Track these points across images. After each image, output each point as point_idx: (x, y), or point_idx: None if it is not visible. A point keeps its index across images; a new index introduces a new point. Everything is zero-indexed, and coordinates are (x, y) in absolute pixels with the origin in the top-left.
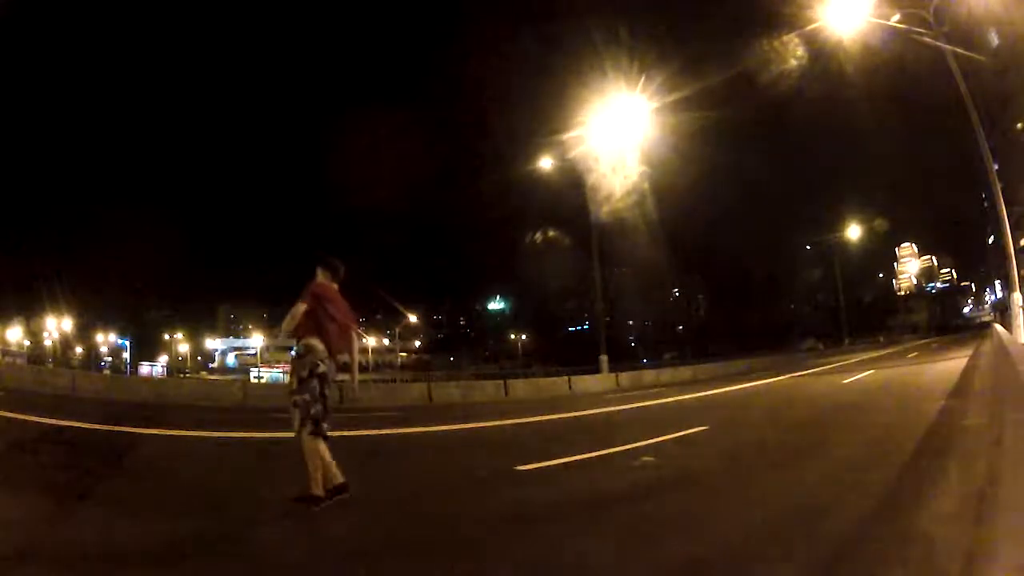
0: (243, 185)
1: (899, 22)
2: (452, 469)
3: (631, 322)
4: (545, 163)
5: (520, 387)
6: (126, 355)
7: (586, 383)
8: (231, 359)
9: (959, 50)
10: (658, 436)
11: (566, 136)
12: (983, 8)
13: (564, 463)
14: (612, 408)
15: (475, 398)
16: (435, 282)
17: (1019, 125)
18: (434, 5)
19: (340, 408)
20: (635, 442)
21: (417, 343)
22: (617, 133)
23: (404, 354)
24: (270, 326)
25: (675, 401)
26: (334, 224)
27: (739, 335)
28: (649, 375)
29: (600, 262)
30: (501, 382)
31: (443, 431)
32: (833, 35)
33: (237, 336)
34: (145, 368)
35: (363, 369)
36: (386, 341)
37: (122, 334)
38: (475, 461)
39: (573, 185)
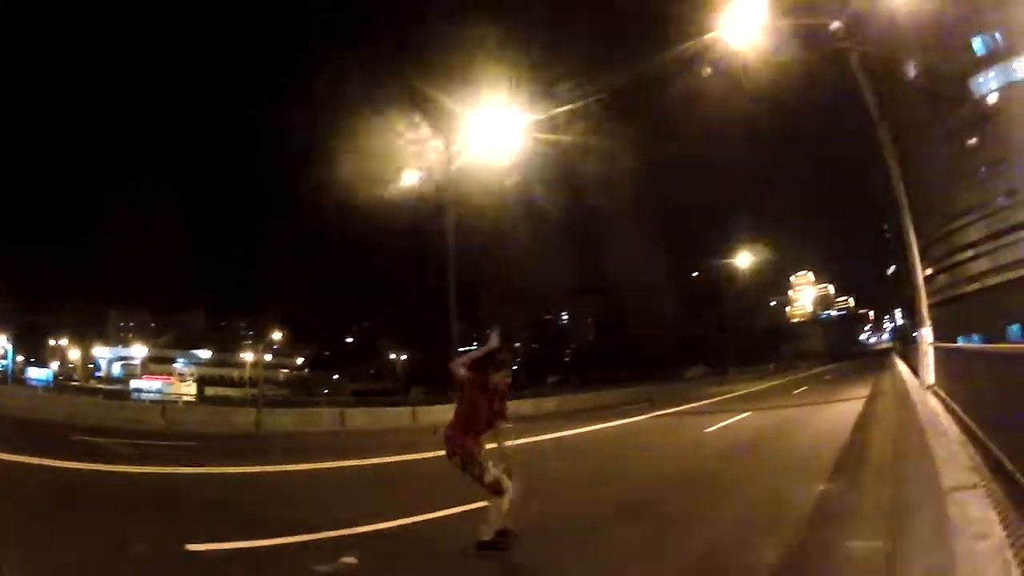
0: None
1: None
2: (109, 537)
3: (518, 345)
4: (410, 178)
5: (359, 417)
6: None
7: (434, 414)
8: (117, 368)
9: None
10: (428, 512)
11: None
12: (899, 38)
13: (248, 547)
14: (423, 455)
15: (308, 427)
16: (322, 297)
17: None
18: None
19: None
20: (381, 521)
21: (300, 359)
22: (495, 149)
23: (285, 370)
24: (157, 335)
25: (519, 444)
26: (221, 231)
27: (627, 361)
28: (508, 406)
29: (460, 279)
30: (338, 411)
31: (190, 474)
32: (732, 51)
33: (125, 344)
34: (33, 372)
35: (235, 384)
36: (268, 356)
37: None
38: (152, 528)
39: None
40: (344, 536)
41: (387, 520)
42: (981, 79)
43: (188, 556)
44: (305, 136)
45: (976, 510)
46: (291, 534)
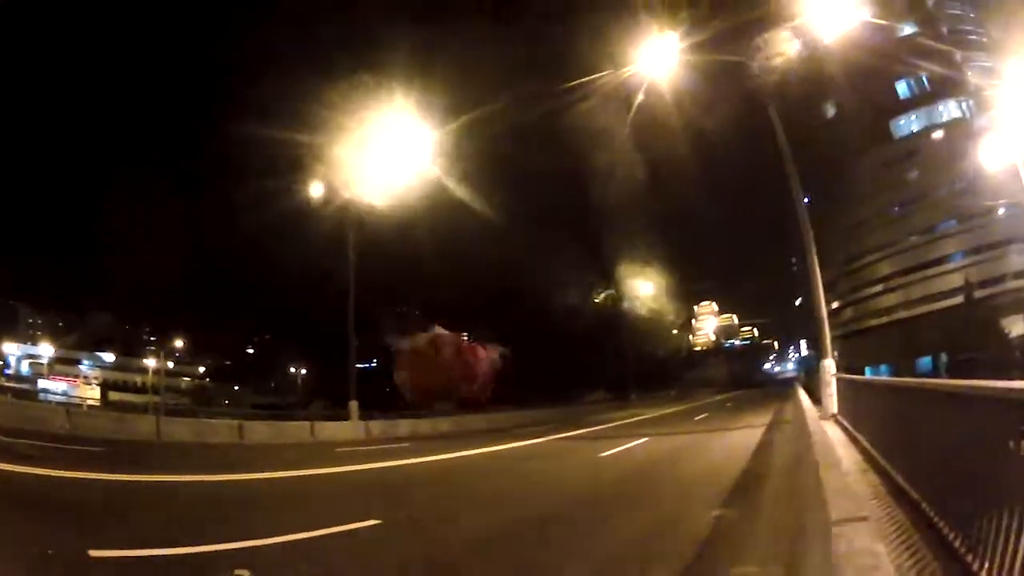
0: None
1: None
2: (11, 539)
3: None
4: (316, 191)
5: (259, 430)
6: None
7: (332, 430)
8: (26, 367)
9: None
10: (322, 527)
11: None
12: (818, 80)
13: (150, 555)
14: (320, 470)
15: (207, 439)
16: (225, 306)
17: None
18: None
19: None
20: (276, 535)
21: (202, 368)
22: (401, 166)
23: (187, 379)
24: (65, 335)
25: (394, 467)
26: (127, 231)
27: (527, 383)
28: (405, 426)
29: (360, 295)
30: (237, 423)
31: (94, 480)
32: (648, 79)
33: (34, 342)
34: None
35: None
36: (170, 364)
37: None
38: (56, 532)
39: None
40: (240, 548)
41: (282, 534)
42: (902, 120)
43: (92, 562)
44: (216, 144)
45: (862, 542)
46: (190, 544)
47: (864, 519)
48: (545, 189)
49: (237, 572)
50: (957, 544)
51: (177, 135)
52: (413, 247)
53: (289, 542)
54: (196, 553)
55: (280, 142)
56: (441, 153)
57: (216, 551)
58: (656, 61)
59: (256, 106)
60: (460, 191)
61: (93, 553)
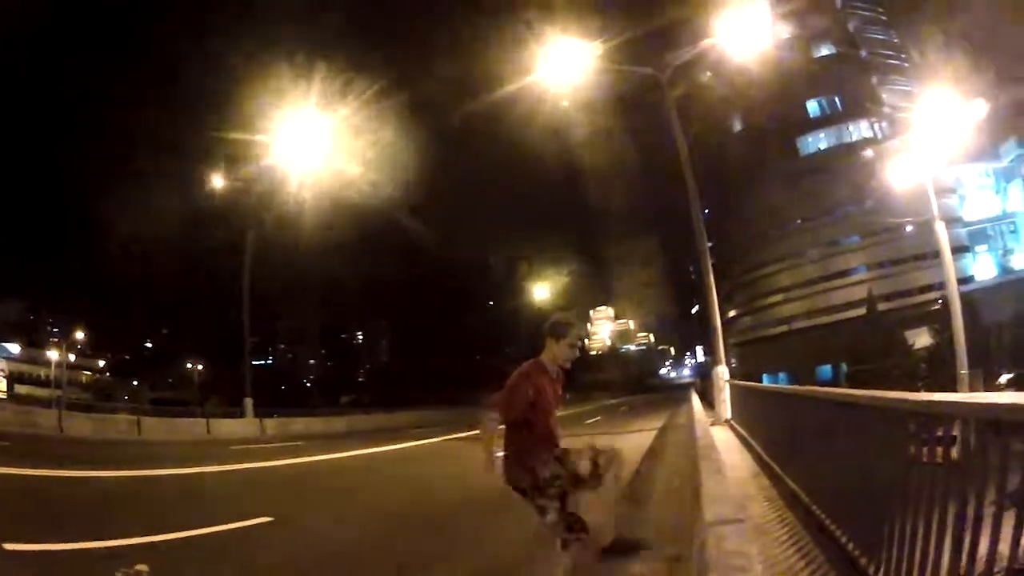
0: None
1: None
2: None
3: (312, 361)
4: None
5: (157, 426)
6: None
7: (228, 427)
8: None
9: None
10: (221, 524)
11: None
12: (728, 93)
13: (59, 549)
14: (219, 468)
15: (107, 434)
16: (125, 299)
17: None
18: None
19: None
20: (177, 531)
21: (102, 362)
22: (301, 159)
23: (88, 372)
24: None
25: (287, 465)
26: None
27: (426, 383)
28: (299, 424)
29: (257, 292)
30: (135, 419)
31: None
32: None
33: None
34: None
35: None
36: (72, 357)
37: None
38: None
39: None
40: (138, 544)
41: (178, 531)
42: (810, 138)
43: (5, 555)
44: (123, 136)
45: (733, 544)
46: (90, 540)
47: (740, 521)
48: (453, 189)
49: (137, 567)
50: (851, 547)
51: (81, 118)
52: (313, 242)
53: (185, 538)
54: (95, 548)
55: (184, 132)
56: (345, 147)
57: (115, 546)
58: (564, 68)
59: (155, 98)
60: (363, 186)
61: (7, 546)
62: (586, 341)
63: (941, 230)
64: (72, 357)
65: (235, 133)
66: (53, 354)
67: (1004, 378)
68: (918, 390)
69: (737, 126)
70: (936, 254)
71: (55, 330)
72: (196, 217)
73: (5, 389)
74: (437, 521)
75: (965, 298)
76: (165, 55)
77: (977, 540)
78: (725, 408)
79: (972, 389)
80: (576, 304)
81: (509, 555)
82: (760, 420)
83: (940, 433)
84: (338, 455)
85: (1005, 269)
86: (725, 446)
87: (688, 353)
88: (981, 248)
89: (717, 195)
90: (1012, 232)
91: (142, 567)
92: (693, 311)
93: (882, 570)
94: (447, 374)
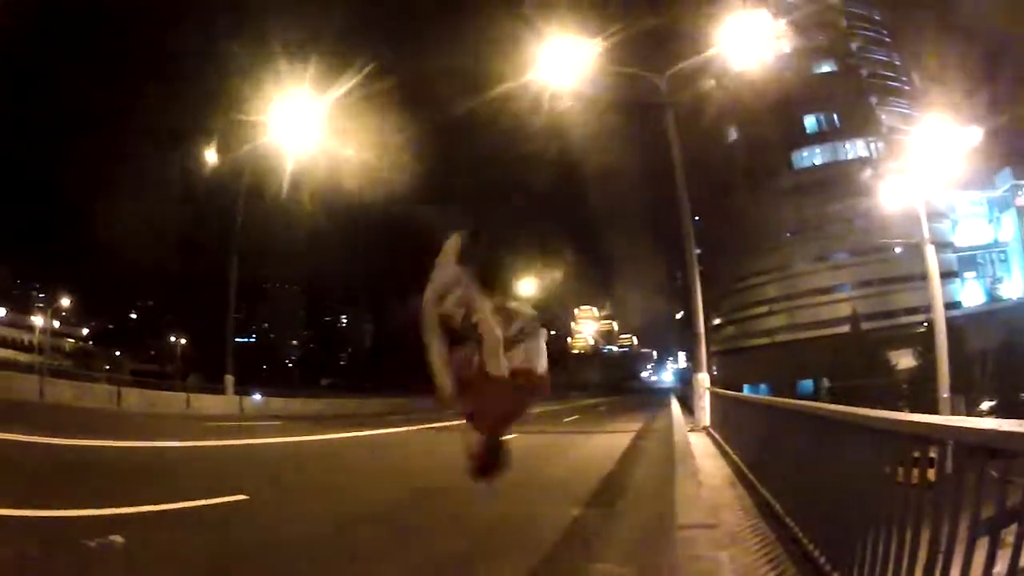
0: None
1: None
2: None
3: (295, 342)
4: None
5: (136, 398)
6: None
7: (207, 403)
8: None
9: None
10: (196, 499)
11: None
12: (726, 103)
13: (30, 516)
14: (196, 443)
15: (87, 402)
16: (113, 269)
17: None
18: None
19: None
20: (153, 503)
21: (85, 331)
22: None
23: (71, 340)
24: None
25: (265, 444)
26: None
27: (406, 371)
28: (277, 403)
29: (243, 269)
30: (116, 389)
31: None
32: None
33: None
34: None
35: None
36: (55, 323)
37: None
38: None
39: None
40: (109, 515)
41: (151, 504)
42: (805, 153)
43: None
44: (116, 109)
45: (705, 549)
46: (61, 508)
47: (712, 527)
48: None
49: (111, 538)
50: (822, 561)
51: (73, 91)
52: (302, 224)
53: (157, 512)
54: (67, 516)
55: (176, 109)
56: (338, 131)
57: (86, 516)
58: (562, 68)
59: (149, 75)
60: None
61: None
62: (569, 340)
63: (931, 253)
64: (56, 324)
65: (228, 111)
66: (38, 320)
67: (986, 405)
68: (899, 411)
69: (733, 135)
70: (924, 277)
71: (41, 296)
72: (186, 191)
73: None
74: (405, 508)
75: (951, 323)
76: (158, 30)
77: (949, 566)
78: (704, 415)
79: (953, 414)
80: (561, 300)
81: (461, 551)
82: (739, 429)
83: (917, 455)
84: (316, 437)
85: (993, 297)
86: (702, 452)
87: (670, 358)
88: (970, 274)
89: (709, 202)
90: (1002, 261)
91: (116, 538)
92: (678, 316)
93: None
94: (429, 363)
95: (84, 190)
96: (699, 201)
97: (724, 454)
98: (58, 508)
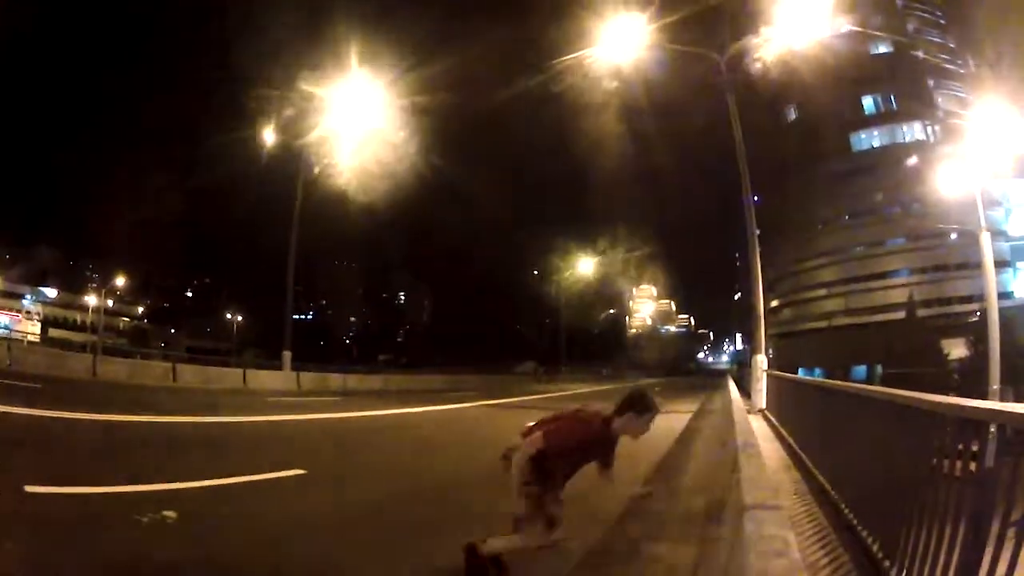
0: None
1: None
2: None
3: (353, 319)
4: (268, 138)
5: (192, 374)
6: None
7: (264, 379)
8: None
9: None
10: (250, 474)
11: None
12: (784, 82)
13: (83, 493)
14: (251, 418)
15: (142, 379)
16: (167, 247)
17: None
18: None
19: None
20: (205, 479)
21: (141, 309)
22: (357, 119)
23: (126, 319)
24: (9, 268)
25: (323, 419)
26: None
27: (463, 347)
28: (336, 380)
29: (300, 247)
30: (171, 366)
31: (32, 416)
32: (609, 63)
33: None
34: None
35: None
36: (109, 302)
37: None
38: None
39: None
40: (166, 490)
41: (208, 479)
42: (864, 135)
43: (26, 497)
44: (170, 90)
45: (772, 529)
46: (122, 484)
47: (778, 507)
48: (498, 158)
49: (164, 513)
50: (875, 549)
51: (132, 81)
52: (360, 204)
53: (214, 487)
54: (123, 492)
55: (233, 90)
56: (396, 114)
57: (143, 491)
58: (620, 44)
59: (207, 56)
60: (410, 150)
61: (29, 488)
62: (628, 320)
63: (986, 241)
64: (110, 303)
65: (288, 91)
66: (91, 299)
67: None
68: None
69: (792, 115)
70: (978, 265)
71: (95, 276)
72: (246, 169)
73: (39, 332)
74: (463, 487)
75: (1003, 313)
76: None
77: (996, 560)
78: (761, 398)
79: None
80: (621, 280)
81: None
82: (795, 412)
83: (975, 447)
84: (373, 413)
85: None
86: (758, 435)
87: (726, 340)
88: (1023, 264)
89: (769, 182)
90: None
91: (169, 513)
92: (736, 298)
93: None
94: (485, 340)
95: (141, 168)
96: (758, 181)
97: (779, 437)
98: (110, 485)
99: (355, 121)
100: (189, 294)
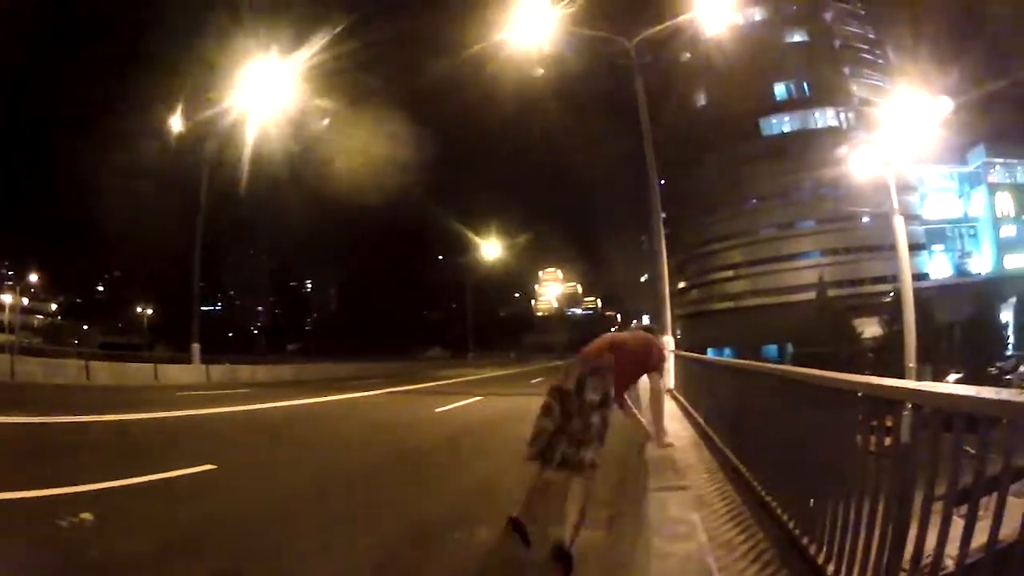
0: None
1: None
2: None
3: (260, 309)
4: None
5: (105, 371)
6: None
7: (175, 373)
8: None
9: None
10: (166, 471)
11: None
12: (695, 67)
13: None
14: (166, 414)
15: (56, 379)
16: (76, 241)
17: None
18: None
19: None
20: (123, 478)
21: (54, 306)
22: (261, 107)
23: (40, 316)
24: None
25: (233, 412)
26: None
27: (372, 335)
28: (245, 371)
29: (206, 237)
30: (84, 364)
31: None
32: (522, 48)
33: None
34: None
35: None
36: (25, 300)
37: None
38: None
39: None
40: (81, 492)
41: (123, 478)
42: (774, 120)
43: None
44: (79, 78)
45: (677, 511)
46: (41, 487)
47: (684, 489)
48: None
49: (81, 516)
50: (792, 526)
51: (35, 60)
52: (265, 191)
53: (128, 486)
54: (37, 497)
55: (139, 74)
56: (307, 98)
57: (57, 495)
58: (532, 29)
59: (115, 42)
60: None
61: None
62: (533, 303)
63: (899, 224)
64: (25, 301)
65: (195, 77)
66: (7, 298)
67: (952, 377)
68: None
69: (703, 100)
70: (891, 247)
71: (9, 273)
72: (149, 160)
73: None
74: (378, 473)
75: (919, 294)
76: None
77: (924, 535)
78: (668, 378)
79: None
80: (526, 263)
81: (437, 516)
82: (704, 392)
83: (889, 423)
84: (282, 404)
85: (961, 271)
86: (667, 415)
87: (634, 321)
88: (938, 247)
89: (677, 165)
90: (972, 236)
91: (86, 515)
92: (642, 279)
93: (823, 553)
94: (393, 326)
95: (48, 164)
96: (669, 164)
97: (688, 415)
98: (24, 489)
99: (263, 104)
100: (100, 289)
